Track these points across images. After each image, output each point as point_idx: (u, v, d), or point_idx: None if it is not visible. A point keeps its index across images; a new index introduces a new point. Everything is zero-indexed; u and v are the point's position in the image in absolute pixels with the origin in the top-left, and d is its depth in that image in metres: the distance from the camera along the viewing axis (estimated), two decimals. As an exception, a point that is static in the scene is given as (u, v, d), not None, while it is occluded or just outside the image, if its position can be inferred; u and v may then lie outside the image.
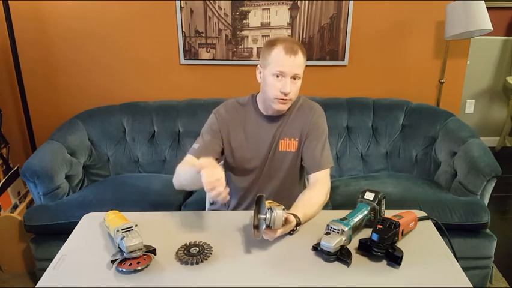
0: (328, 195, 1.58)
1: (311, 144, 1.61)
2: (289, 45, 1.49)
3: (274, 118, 1.62)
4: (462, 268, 1.23)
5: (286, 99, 1.52)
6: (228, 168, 1.74)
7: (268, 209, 1.23)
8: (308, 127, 1.62)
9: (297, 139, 1.63)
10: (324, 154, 1.61)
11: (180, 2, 2.65)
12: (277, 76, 1.50)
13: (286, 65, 1.48)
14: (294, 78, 1.51)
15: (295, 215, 1.36)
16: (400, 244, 1.30)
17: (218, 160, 1.66)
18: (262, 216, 1.23)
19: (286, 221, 1.28)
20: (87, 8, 2.67)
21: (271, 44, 1.52)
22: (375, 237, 1.24)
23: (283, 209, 1.24)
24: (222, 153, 1.66)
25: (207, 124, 1.66)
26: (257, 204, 1.28)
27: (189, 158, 1.56)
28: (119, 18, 2.70)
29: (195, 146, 1.60)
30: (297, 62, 1.49)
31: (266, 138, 1.63)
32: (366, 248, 1.27)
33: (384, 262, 1.25)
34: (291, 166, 1.66)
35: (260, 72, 1.56)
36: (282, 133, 1.62)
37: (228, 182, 1.76)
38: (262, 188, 1.69)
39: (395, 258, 1.23)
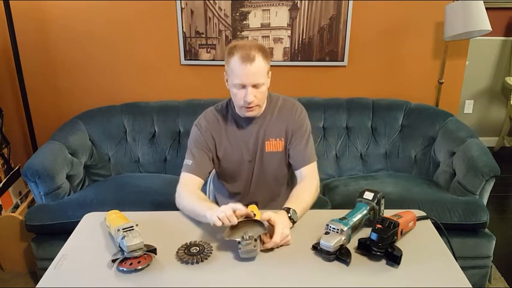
0: (319, 188, 1.60)
1: (296, 141, 1.63)
2: (245, 52, 1.45)
3: (254, 119, 1.62)
4: (461, 267, 1.24)
5: (252, 107, 1.52)
6: (219, 176, 1.75)
7: (242, 239, 1.24)
8: (292, 126, 1.63)
9: (282, 139, 1.64)
10: (308, 149, 1.64)
11: (181, 3, 2.66)
12: (239, 86, 1.49)
13: (243, 76, 1.47)
14: (256, 87, 1.49)
15: (294, 210, 1.39)
16: (399, 244, 1.31)
17: (210, 171, 1.68)
18: (237, 240, 1.25)
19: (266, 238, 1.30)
20: (88, 8, 2.67)
21: (230, 52, 1.49)
22: (374, 236, 1.25)
23: (255, 240, 1.25)
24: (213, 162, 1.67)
25: (192, 138, 1.65)
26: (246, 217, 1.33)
27: (186, 176, 1.58)
28: (120, 19, 2.71)
29: (188, 162, 1.60)
30: (254, 69, 1.46)
31: (249, 140, 1.64)
32: (365, 248, 1.28)
33: (384, 261, 1.26)
34: (280, 165, 1.68)
35: (227, 80, 1.56)
36: (266, 134, 1.63)
37: (221, 190, 1.77)
38: (255, 191, 1.71)
39: (394, 258, 1.24)
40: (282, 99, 1.67)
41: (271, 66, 1.56)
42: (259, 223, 1.29)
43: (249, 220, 1.32)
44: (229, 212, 1.28)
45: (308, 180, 1.58)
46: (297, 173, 1.64)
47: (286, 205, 1.43)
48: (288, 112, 1.64)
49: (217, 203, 1.82)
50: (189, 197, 1.50)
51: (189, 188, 1.55)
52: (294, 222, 1.40)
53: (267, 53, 1.52)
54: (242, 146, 1.64)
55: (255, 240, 1.24)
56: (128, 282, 1.19)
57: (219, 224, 1.28)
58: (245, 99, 1.50)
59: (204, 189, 1.82)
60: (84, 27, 2.71)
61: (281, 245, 1.32)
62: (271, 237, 1.29)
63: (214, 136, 1.63)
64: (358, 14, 2.71)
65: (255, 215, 1.37)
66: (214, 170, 1.76)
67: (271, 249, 1.30)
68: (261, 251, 1.29)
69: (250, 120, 1.61)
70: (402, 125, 2.62)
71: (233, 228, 1.29)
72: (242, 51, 1.46)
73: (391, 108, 2.65)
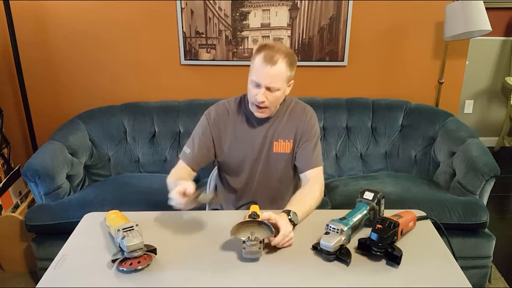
0: (323, 193, 1.61)
1: (304, 144, 1.64)
2: (269, 53, 1.46)
3: (265, 119, 1.63)
4: (461, 267, 1.24)
5: (261, 107, 1.53)
6: (222, 169, 1.75)
7: (247, 239, 1.24)
8: (302, 129, 1.64)
9: (291, 141, 1.64)
10: (315, 153, 1.65)
11: (181, 3, 2.66)
12: (255, 84, 1.50)
13: (260, 75, 1.48)
14: (270, 90, 1.50)
15: (294, 212, 1.39)
16: (399, 244, 1.31)
17: (208, 163, 1.69)
18: (242, 239, 1.25)
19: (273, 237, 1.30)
20: (88, 9, 2.67)
21: (258, 49, 1.51)
22: (374, 236, 1.25)
23: (261, 242, 1.25)
24: (215, 155, 1.68)
25: (198, 127, 1.67)
26: (250, 217, 1.35)
27: (181, 165, 1.63)
28: (120, 19, 2.71)
29: (187, 150, 1.64)
30: (273, 72, 1.46)
31: (257, 139, 1.64)
32: (365, 248, 1.28)
33: (384, 261, 1.26)
34: (286, 167, 1.68)
35: (250, 70, 1.56)
36: (275, 135, 1.64)
37: (224, 183, 1.78)
38: (257, 190, 1.71)
39: (394, 258, 1.24)
40: (295, 102, 1.68)
41: None
42: (266, 226, 1.29)
43: (255, 221, 1.31)
44: (180, 191, 1.34)
45: (312, 184, 1.58)
46: (302, 176, 1.64)
47: (288, 207, 1.42)
48: (299, 115, 1.65)
49: None
50: (173, 178, 1.57)
51: (178, 172, 1.61)
52: (294, 224, 1.39)
53: (293, 61, 1.52)
54: (247, 143, 1.64)
55: (260, 242, 1.24)
56: (128, 282, 1.19)
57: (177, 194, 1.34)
58: (256, 97, 1.51)
59: (205, 186, 1.84)
60: (84, 27, 2.72)
61: (283, 246, 1.32)
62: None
63: (221, 130, 1.65)
64: (358, 14, 2.71)
65: (258, 216, 1.37)
66: (216, 166, 1.77)
67: (274, 248, 1.29)
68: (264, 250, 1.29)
69: (261, 119, 1.62)
70: (402, 125, 2.62)
71: (239, 226, 1.29)
72: (268, 51, 1.47)
73: (391, 108, 2.65)
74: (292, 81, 1.58)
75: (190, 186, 1.35)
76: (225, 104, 1.68)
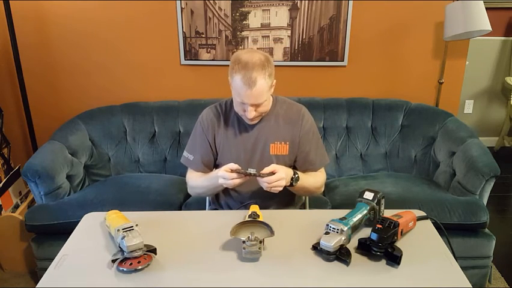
0: (323, 186, 1.70)
1: (305, 149, 1.66)
2: (247, 75, 1.43)
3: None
4: (461, 267, 1.24)
5: (253, 118, 1.55)
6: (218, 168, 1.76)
7: (247, 239, 1.24)
8: (299, 133, 1.65)
9: (287, 143, 1.65)
10: (319, 155, 1.68)
11: (181, 3, 2.66)
12: (240, 103, 1.51)
13: (244, 97, 1.48)
14: (257, 105, 1.51)
15: (298, 176, 1.53)
16: (399, 244, 1.31)
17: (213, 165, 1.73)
18: (242, 239, 1.25)
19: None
20: (88, 8, 2.67)
21: (233, 67, 1.47)
22: (374, 236, 1.25)
23: (260, 242, 1.25)
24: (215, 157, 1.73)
25: (194, 133, 1.70)
26: (250, 217, 1.36)
27: (192, 173, 1.70)
28: (120, 19, 2.71)
29: (189, 157, 1.69)
30: (256, 93, 1.45)
31: (248, 140, 1.65)
32: (365, 248, 1.28)
33: (384, 261, 1.26)
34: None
35: (230, 83, 1.53)
36: (270, 137, 1.64)
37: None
38: (256, 190, 1.70)
39: (394, 258, 1.24)
40: (288, 104, 1.69)
41: None
42: (266, 226, 1.29)
43: (255, 221, 1.32)
44: (227, 169, 1.43)
45: (318, 173, 1.70)
46: None
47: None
48: (295, 118, 1.65)
49: (216, 197, 1.82)
50: (198, 178, 1.66)
51: (196, 175, 1.69)
52: (291, 184, 1.52)
53: (271, 69, 1.49)
54: (239, 145, 1.65)
55: (260, 242, 1.24)
56: (128, 282, 1.19)
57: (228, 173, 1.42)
58: (246, 115, 1.53)
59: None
60: (84, 27, 2.72)
61: (270, 189, 1.43)
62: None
63: (214, 131, 1.67)
64: (358, 14, 2.71)
65: (258, 216, 1.37)
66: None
67: (274, 248, 1.29)
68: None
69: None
70: (402, 125, 2.62)
71: (239, 226, 1.29)
72: (244, 72, 1.44)
73: (391, 108, 2.65)
74: (274, 80, 1.55)
75: (234, 164, 1.43)
76: (216, 106, 1.70)
